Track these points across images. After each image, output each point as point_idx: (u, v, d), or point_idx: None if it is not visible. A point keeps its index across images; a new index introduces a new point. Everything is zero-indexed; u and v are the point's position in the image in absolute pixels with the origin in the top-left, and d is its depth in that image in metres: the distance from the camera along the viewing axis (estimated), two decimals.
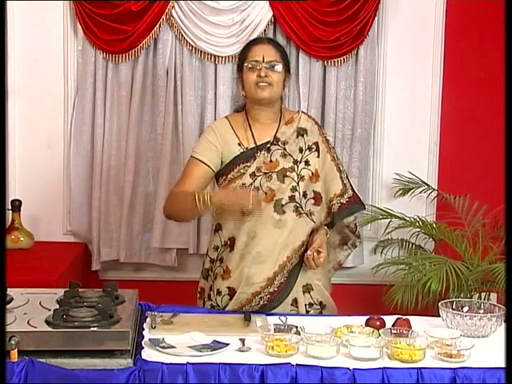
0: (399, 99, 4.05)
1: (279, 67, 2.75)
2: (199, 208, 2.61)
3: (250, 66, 2.75)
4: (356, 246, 3.02)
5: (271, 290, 2.74)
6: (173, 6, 3.82)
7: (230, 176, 2.77)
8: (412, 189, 3.93)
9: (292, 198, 2.76)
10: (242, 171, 2.76)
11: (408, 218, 3.78)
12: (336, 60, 3.91)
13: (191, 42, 3.86)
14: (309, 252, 2.69)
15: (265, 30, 3.88)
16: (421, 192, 3.95)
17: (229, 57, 3.87)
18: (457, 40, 4.02)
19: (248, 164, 2.76)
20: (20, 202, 3.79)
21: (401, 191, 3.93)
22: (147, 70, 3.92)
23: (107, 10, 3.79)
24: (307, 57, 3.93)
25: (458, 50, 4.04)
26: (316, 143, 2.84)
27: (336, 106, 3.97)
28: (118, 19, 3.80)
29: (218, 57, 3.88)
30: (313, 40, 3.87)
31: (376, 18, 3.91)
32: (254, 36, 3.82)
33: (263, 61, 2.73)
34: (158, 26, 3.82)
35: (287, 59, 2.84)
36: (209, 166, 2.77)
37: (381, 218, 3.80)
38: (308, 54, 3.92)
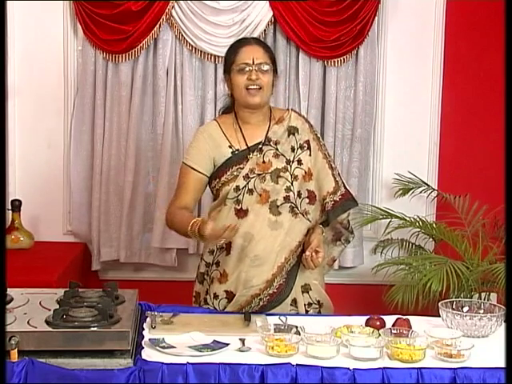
0: (399, 99, 4.05)
1: (269, 69, 2.73)
2: (192, 237, 2.63)
3: (239, 68, 2.71)
4: (349, 241, 2.98)
5: (270, 291, 2.73)
6: (173, 6, 3.82)
7: (223, 179, 2.75)
8: (412, 189, 3.93)
9: (287, 199, 2.74)
10: (235, 173, 2.74)
11: (408, 218, 3.78)
12: (336, 60, 3.91)
13: (191, 42, 3.86)
14: (307, 252, 2.67)
15: (265, 30, 3.88)
16: (421, 192, 3.95)
17: None
18: (457, 40, 4.02)
19: (241, 166, 2.74)
20: (20, 201, 3.79)
21: (401, 191, 3.93)
22: (147, 70, 3.92)
23: (107, 10, 3.79)
24: (307, 57, 3.93)
25: (458, 50, 4.04)
26: (307, 141, 2.82)
27: (336, 106, 3.97)
28: (118, 19, 3.80)
29: (218, 57, 3.88)
30: (313, 40, 3.87)
31: (376, 17, 3.92)
32: (254, 36, 3.81)
33: (253, 63, 2.70)
34: (158, 26, 3.82)
35: (275, 60, 2.81)
36: (202, 173, 2.75)
37: (381, 218, 3.80)
38: (308, 54, 3.92)
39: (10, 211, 3.77)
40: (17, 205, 3.78)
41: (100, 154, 3.94)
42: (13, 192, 3.92)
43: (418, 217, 3.80)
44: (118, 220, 3.97)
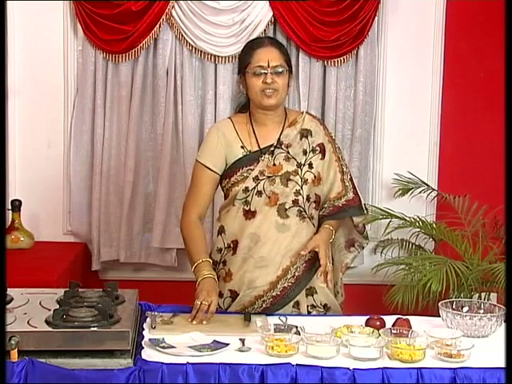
0: (399, 99, 4.05)
1: (284, 71, 2.73)
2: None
3: (254, 71, 2.71)
4: (363, 247, 3.01)
5: (274, 293, 2.73)
6: (173, 6, 3.82)
7: (233, 179, 2.76)
8: (412, 189, 3.92)
9: (295, 202, 2.74)
10: (245, 175, 2.74)
11: (408, 218, 3.78)
12: (336, 60, 3.91)
13: (191, 42, 3.86)
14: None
15: (265, 30, 3.88)
16: (421, 192, 3.95)
17: (229, 57, 3.88)
18: (457, 40, 4.02)
19: (251, 167, 2.75)
20: (20, 202, 3.79)
21: (400, 191, 3.93)
22: (147, 70, 3.92)
23: (107, 10, 3.79)
24: (307, 57, 3.93)
25: (458, 50, 4.04)
26: (321, 144, 2.82)
27: (336, 106, 3.97)
28: (118, 19, 3.80)
29: (218, 57, 3.88)
30: (313, 40, 3.87)
31: (376, 18, 3.91)
32: (254, 36, 3.82)
33: (268, 66, 2.69)
34: (158, 26, 3.82)
35: (289, 59, 2.82)
36: (214, 172, 2.77)
37: (381, 218, 3.80)
38: (308, 54, 3.92)
39: (10, 211, 3.77)
40: (17, 205, 3.78)
41: (100, 154, 3.94)
42: (13, 192, 3.92)
43: (418, 217, 3.80)
44: (117, 220, 3.97)
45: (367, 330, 2.38)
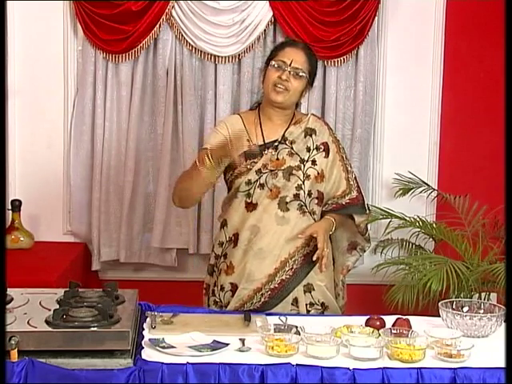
0: (399, 99, 4.05)
1: (302, 76, 2.76)
2: (199, 168, 2.58)
3: (275, 65, 2.76)
4: (365, 251, 3.03)
5: (272, 286, 2.75)
6: (173, 6, 3.82)
7: (236, 171, 2.79)
8: (412, 189, 3.93)
9: (297, 196, 2.78)
10: (248, 167, 2.78)
11: (408, 218, 3.78)
12: (336, 60, 3.91)
13: (191, 42, 3.86)
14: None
15: (265, 30, 3.89)
16: (421, 192, 3.95)
17: (229, 57, 3.88)
18: (457, 40, 4.03)
19: (255, 160, 2.78)
20: (20, 202, 3.79)
21: (401, 191, 3.93)
22: (147, 70, 3.92)
23: (107, 10, 3.79)
24: None
25: (458, 49, 4.04)
26: (325, 143, 2.86)
27: (336, 106, 3.97)
28: (118, 19, 3.80)
29: (218, 57, 3.88)
30: (313, 40, 3.86)
31: (376, 18, 3.92)
32: (254, 36, 3.84)
33: (289, 64, 2.74)
34: (158, 26, 3.82)
35: (315, 72, 2.85)
36: None
37: (381, 218, 3.80)
38: None
39: (10, 211, 3.77)
40: (17, 205, 3.78)
41: (100, 154, 3.94)
42: (13, 192, 3.92)
43: (418, 217, 3.80)
44: (117, 220, 3.97)
45: (367, 330, 2.38)
